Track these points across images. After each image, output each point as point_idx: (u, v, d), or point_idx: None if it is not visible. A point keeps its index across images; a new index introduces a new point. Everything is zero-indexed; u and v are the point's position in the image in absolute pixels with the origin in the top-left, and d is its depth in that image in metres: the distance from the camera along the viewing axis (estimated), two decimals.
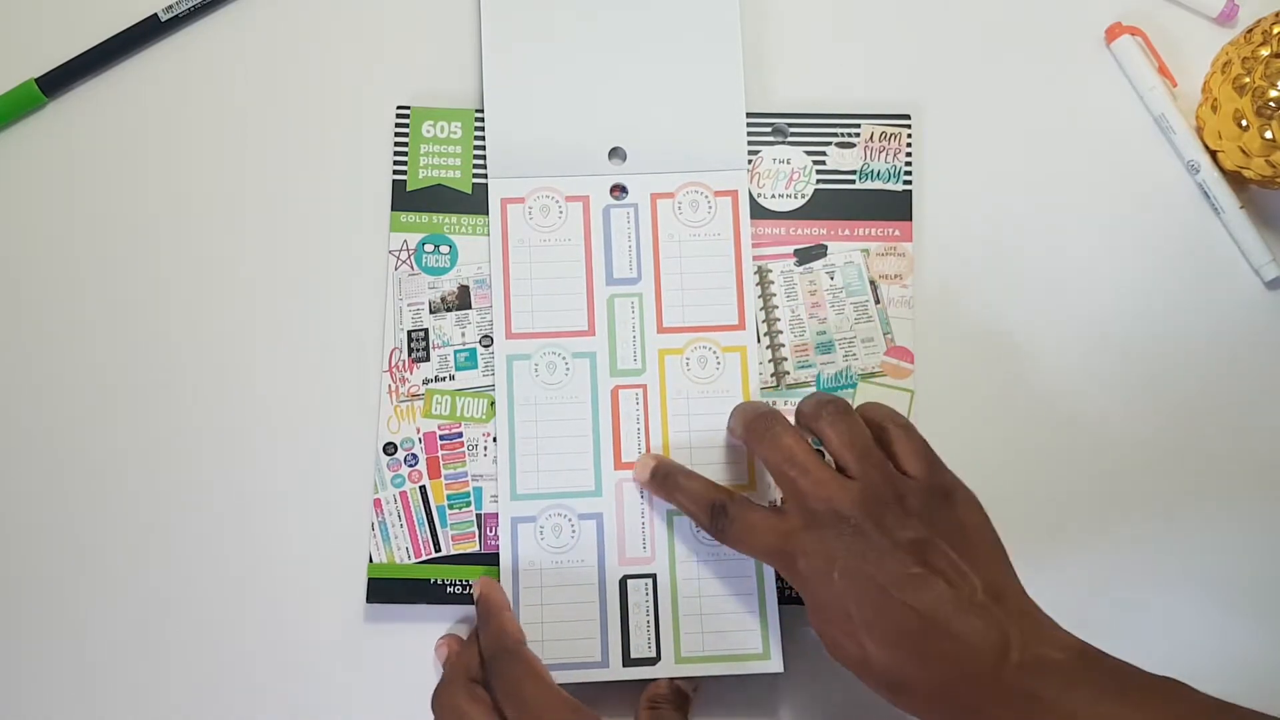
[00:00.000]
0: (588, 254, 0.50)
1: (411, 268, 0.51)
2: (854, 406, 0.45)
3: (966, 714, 0.38)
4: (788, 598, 0.48)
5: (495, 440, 0.49)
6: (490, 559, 0.48)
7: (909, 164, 0.52)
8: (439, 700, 0.44)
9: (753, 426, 0.44)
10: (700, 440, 0.49)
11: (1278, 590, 0.50)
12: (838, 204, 0.51)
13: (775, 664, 0.47)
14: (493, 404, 0.49)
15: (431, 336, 0.50)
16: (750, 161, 0.51)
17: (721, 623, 0.48)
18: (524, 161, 0.51)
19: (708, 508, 0.44)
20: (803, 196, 0.51)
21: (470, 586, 0.48)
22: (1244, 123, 0.49)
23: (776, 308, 0.51)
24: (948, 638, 0.38)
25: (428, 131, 0.51)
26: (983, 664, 0.38)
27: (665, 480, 0.46)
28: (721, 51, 0.51)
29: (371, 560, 0.49)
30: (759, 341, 0.50)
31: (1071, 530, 0.50)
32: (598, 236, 0.50)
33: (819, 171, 0.51)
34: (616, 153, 0.51)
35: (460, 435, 0.50)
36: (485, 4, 0.51)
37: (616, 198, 0.51)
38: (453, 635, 0.48)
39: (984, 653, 0.38)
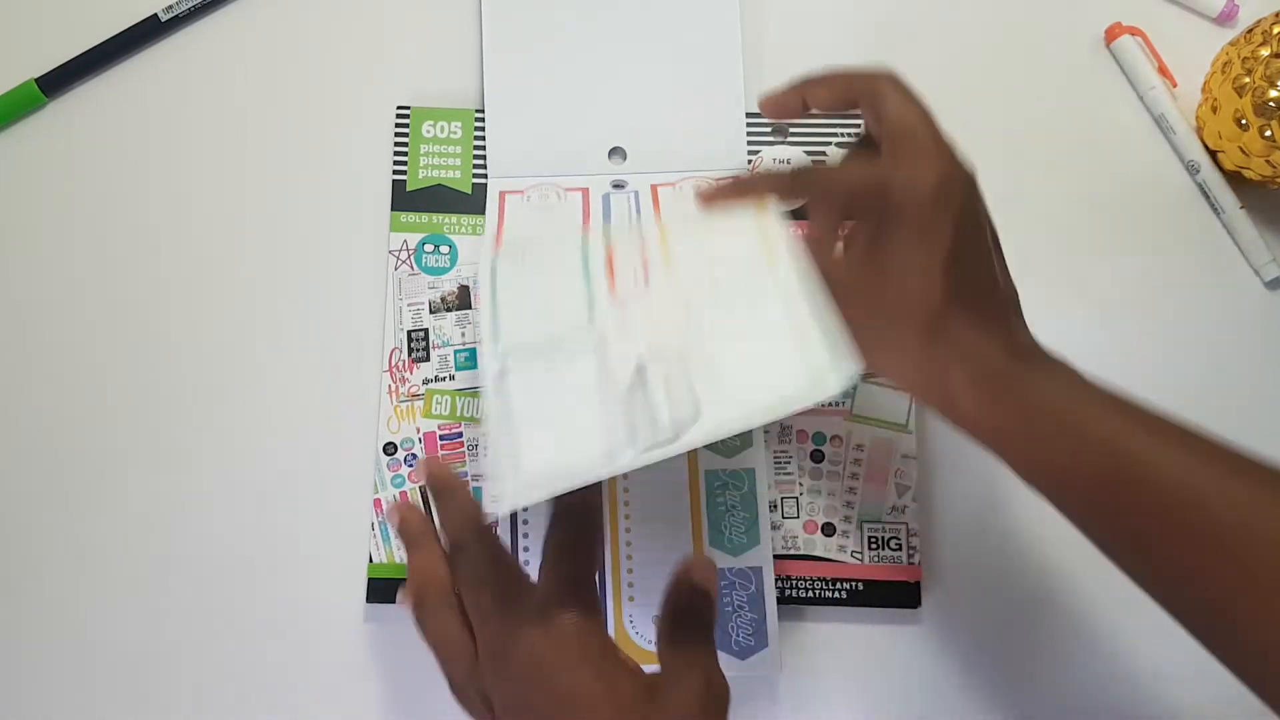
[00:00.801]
0: (585, 218, 0.49)
1: (411, 268, 0.51)
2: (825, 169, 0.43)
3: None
4: (786, 598, 0.48)
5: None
6: None
7: None
8: (427, 627, 0.40)
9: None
10: None
11: None
12: None
13: (772, 659, 0.47)
14: None
15: (431, 336, 0.50)
16: (750, 161, 0.51)
17: (721, 622, 0.48)
18: (524, 161, 0.51)
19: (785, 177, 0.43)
20: None
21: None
22: (1244, 123, 0.49)
23: None
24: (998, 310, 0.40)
25: (428, 131, 0.51)
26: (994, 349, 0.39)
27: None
28: (722, 51, 0.51)
29: (371, 560, 0.49)
30: None
31: (1071, 529, 0.50)
32: (596, 219, 0.49)
33: None
34: (616, 152, 0.51)
35: (460, 435, 0.50)
36: (486, 4, 0.51)
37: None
38: (408, 506, 0.43)
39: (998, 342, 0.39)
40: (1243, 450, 0.35)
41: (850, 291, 0.40)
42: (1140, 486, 0.35)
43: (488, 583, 0.39)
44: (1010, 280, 0.41)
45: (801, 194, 0.42)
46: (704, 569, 0.39)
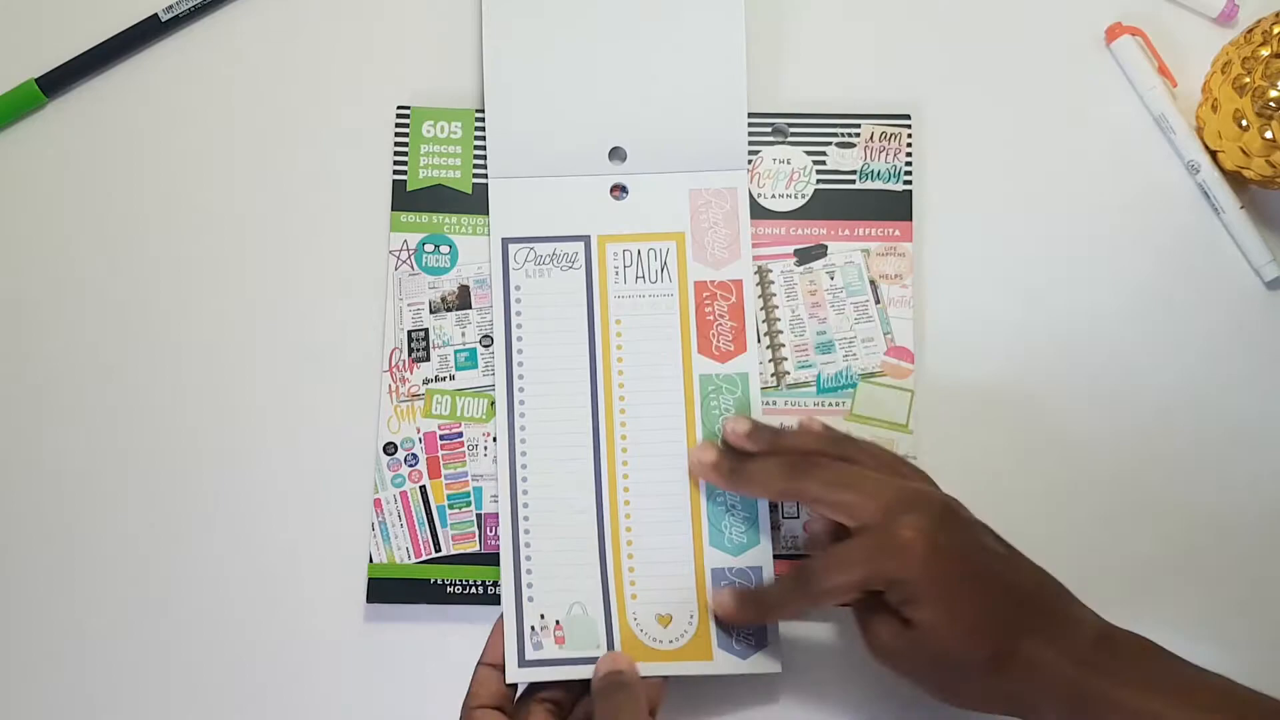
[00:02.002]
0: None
1: (412, 268, 0.51)
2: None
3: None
4: None
5: (495, 440, 0.49)
6: (490, 559, 0.48)
7: (909, 164, 0.52)
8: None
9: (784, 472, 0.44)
10: None
11: (1276, 588, 0.50)
12: (838, 204, 0.51)
13: (775, 664, 0.47)
14: (493, 404, 0.49)
15: (431, 336, 0.50)
16: (750, 161, 0.51)
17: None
18: (524, 161, 0.51)
19: (790, 464, 0.44)
20: (803, 196, 0.51)
21: (471, 586, 0.48)
22: (1244, 123, 0.49)
23: (776, 308, 0.51)
24: (1032, 632, 0.40)
25: (428, 131, 0.51)
26: (1060, 656, 0.40)
27: (730, 472, 0.46)
28: (724, 51, 0.51)
29: (371, 560, 0.49)
30: (759, 342, 0.50)
31: (1070, 529, 0.50)
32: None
33: (819, 171, 0.51)
34: (616, 152, 0.51)
35: (460, 435, 0.50)
36: (487, 4, 0.51)
37: (616, 197, 0.51)
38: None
39: (1063, 646, 0.40)
40: None
41: (904, 656, 0.42)
42: None
43: None
44: (1045, 573, 0.43)
45: (815, 606, 0.44)
46: (613, 659, 0.46)
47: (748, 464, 0.45)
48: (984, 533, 0.43)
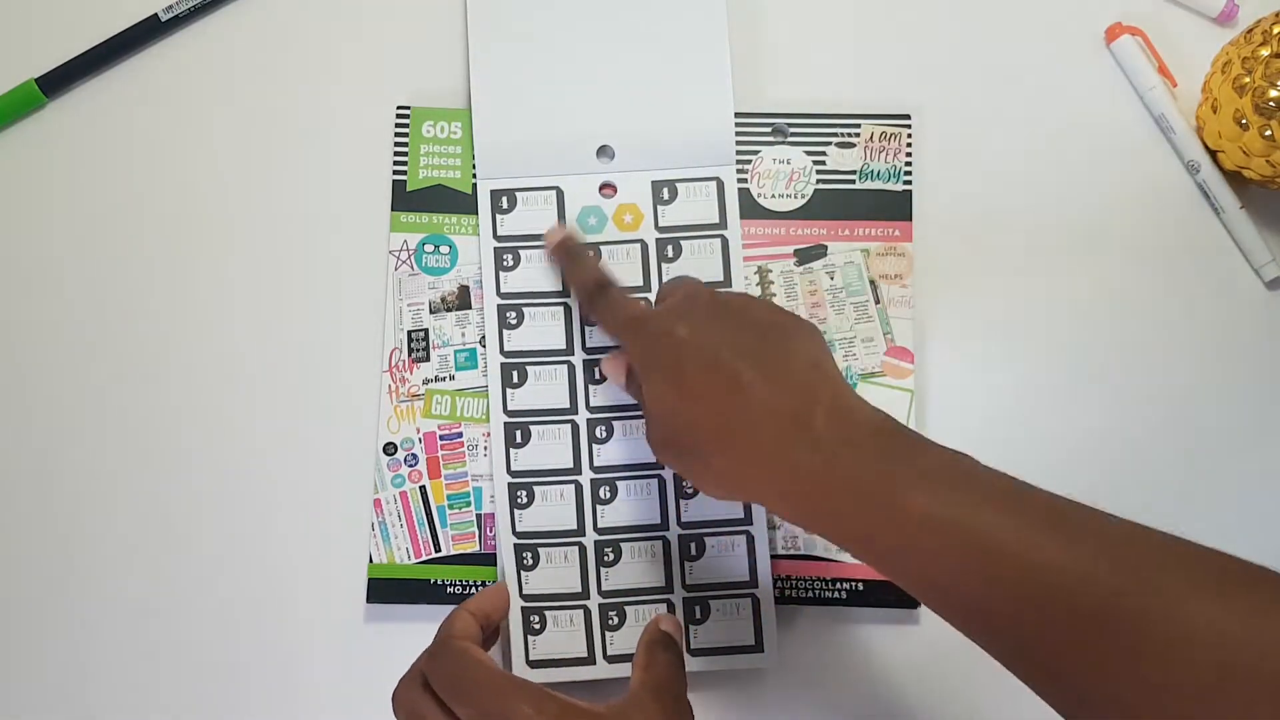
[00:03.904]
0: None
1: (411, 268, 0.51)
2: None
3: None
4: (786, 598, 0.48)
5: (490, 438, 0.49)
6: (491, 559, 0.48)
7: (909, 164, 0.52)
8: (396, 698, 0.41)
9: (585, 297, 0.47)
10: None
11: None
12: (838, 204, 0.51)
13: (770, 659, 0.47)
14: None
15: (431, 336, 0.50)
16: (750, 161, 0.51)
17: (716, 617, 0.48)
18: (513, 162, 0.51)
19: (591, 285, 0.46)
20: (803, 196, 0.51)
21: (471, 587, 0.48)
22: (1244, 123, 0.49)
23: None
24: (746, 400, 0.38)
25: (428, 131, 0.51)
26: (776, 428, 0.37)
27: (568, 253, 0.49)
28: (709, 48, 0.51)
29: (371, 560, 0.49)
30: None
31: None
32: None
33: (819, 171, 0.51)
34: (604, 151, 0.51)
35: (460, 435, 0.50)
36: (471, 5, 0.51)
37: (606, 196, 0.51)
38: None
39: (779, 416, 0.37)
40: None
41: (650, 435, 0.42)
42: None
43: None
44: (823, 360, 0.40)
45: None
46: (670, 621, 0.45)
47: (581, 260, 0.48)
48: (737, 317, 0.40)
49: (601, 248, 0.50)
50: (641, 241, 0.50)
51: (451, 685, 0.38)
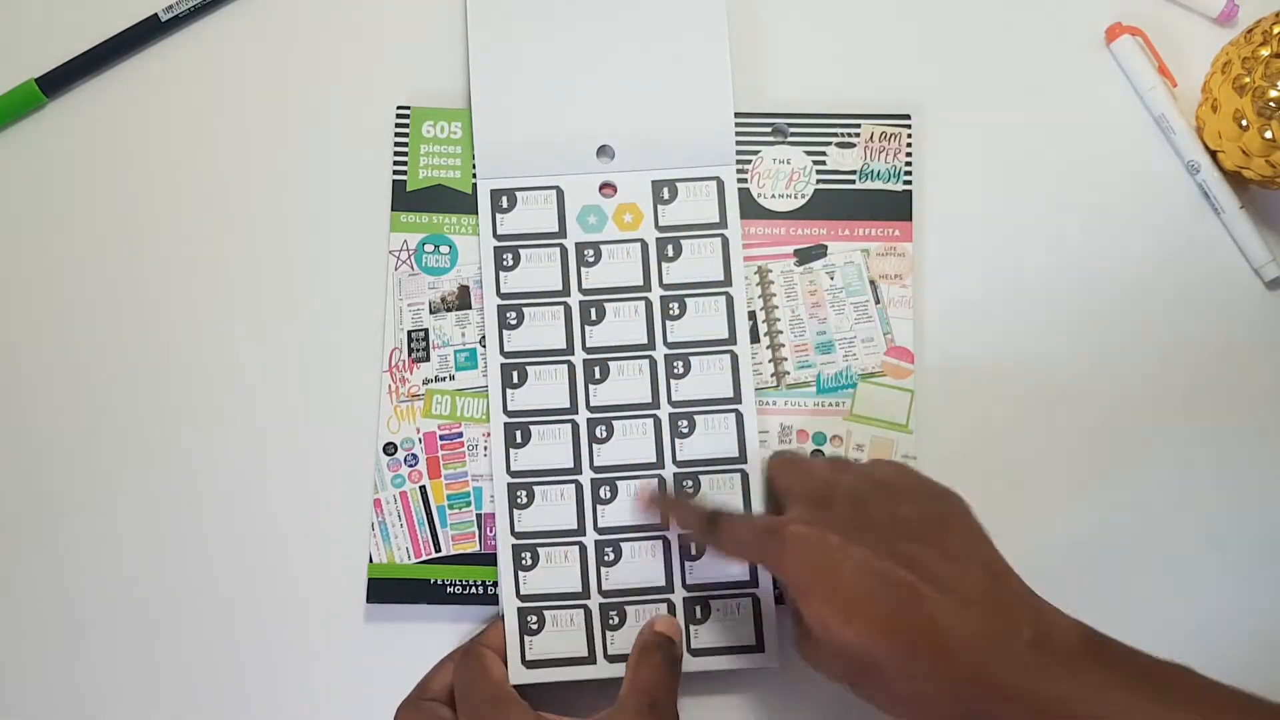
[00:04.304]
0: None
1: (411, 268, 0.51)
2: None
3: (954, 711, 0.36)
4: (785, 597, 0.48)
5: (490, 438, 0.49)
6: (491, 559, 0.48)
7: (909, 164, 0.52)
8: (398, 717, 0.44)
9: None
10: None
11: (1277, 589, 0.50)
12: (838, 204, 0.51)
13: (771, 659, 0.47)
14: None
15: (431, 336, 0.50)
16: (750, 161, 0.51)
17: (717, 617, 0.48)
18: (513, 162, 0.51)
19: (703, 522, 0.44)
20: (803, 196, 0.51)
21: (471, 587, 0.48)
22: (1244, 123, 0.49)
23: (776, 308, 0.51)
24: (936, 629, 0.36)
25: (428, 131, 0.51)
26: (976, 654, 0.35)
27: (666, 505, 0.48)
28: (709, 48, 0.51)
29: (371, 560, 0.49)
30: (759, 341, 0.50)
31: (1070, 528, 0.50)
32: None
33: (819, 171, 0.51)
34: (605, 150, 0.51)
35: (460, 435, 0.50)
36: (471, 5, 0.51)
37: (606, 195, 0.51)
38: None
39: (979, 640, 0.36)
40: None
41: (810, 654, 0.41)
42: None
43: None
44: (990, 565, 0.39)
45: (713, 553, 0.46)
46: (665, 622, 0.46)
47: (678, 504, 0.48)
48: (898, 523, 0.39)
49: (602, 247, 0.50)
50: (641, 241, 0.50)
51: (460, 686, 0.42)
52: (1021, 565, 0.40)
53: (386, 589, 0.48)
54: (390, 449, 0.50)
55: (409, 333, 0.50)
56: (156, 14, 0.52)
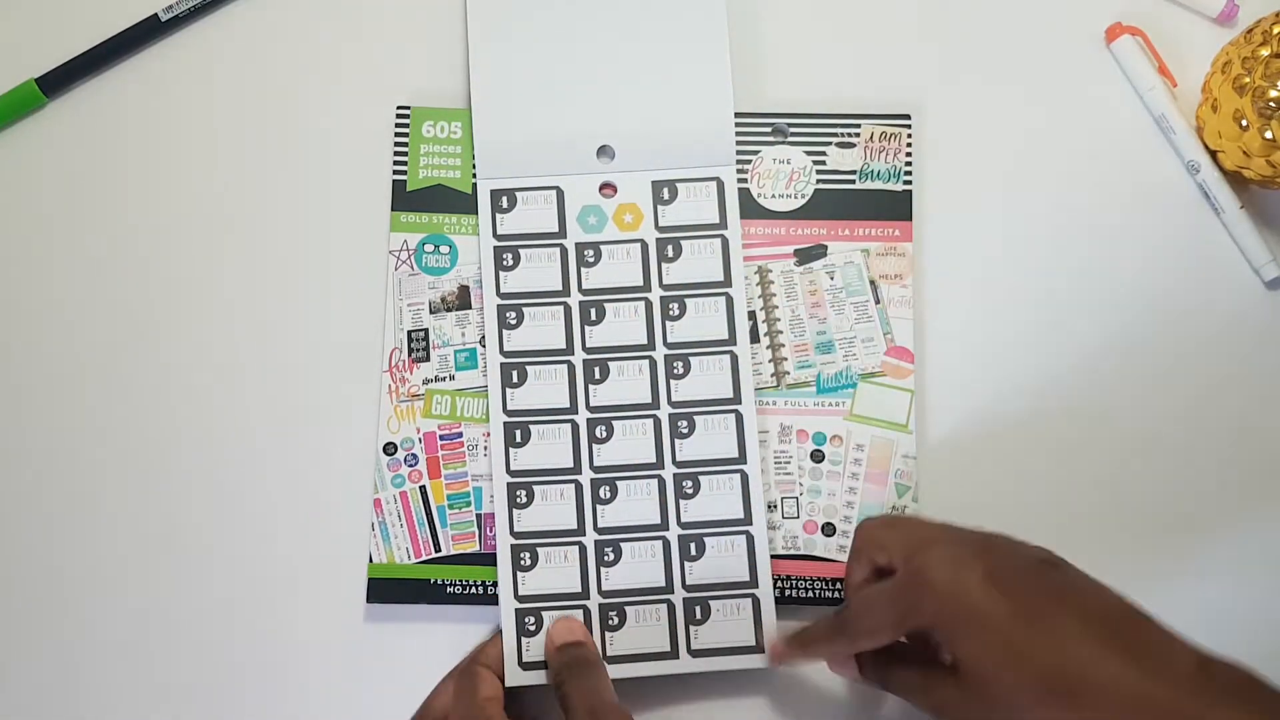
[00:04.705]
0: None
1: (411, 268, 0.51)
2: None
3: None
4: (786, 598, 0.48)
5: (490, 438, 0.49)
6: (491, 559, 0.48)
7: (909, 164, 0.52)
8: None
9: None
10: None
11: (1276, 585, 0.50)
12: (838, 204, 0.51)
13: (763, 660, 0.47)
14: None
15: (431, 336, 0.50)
16: (750, 161, 0.51)
17: (716, 617, 0.48)
18: (513, 162, 0.51)
19: (829, 626, 0.43)
20: (803, 196, 0.51)
21: (471, 587, 0.48)
22: (1244, 123, 0.49)
23: (776, 308, 0.51)
24: (1120, 639, 0.36)
25: (428, 131, 0.51)
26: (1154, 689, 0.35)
27: (797, 652, 0.46)
28: (708, 47, 0.51)
29: (371, 560, 0.49)
30: (759, 341, 0.50)
31: (1072, 530, 0.50)
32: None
33: (819, 171, 0.51)
34: (605, 150, 0.51)
35: (460, 435, 0.50)
36: (471, 5, 0.51)
37: (606, 196, 0.51)
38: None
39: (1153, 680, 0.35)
40: None
41: (961, 704, 0.39)
42: None
43: None
44: (1117, 595, 0.38)
45: (854, 646, 0.43)
46: (562, 628, 0.46)
47: (809, 639, 0.45)
48: (1032, 561, 0.39)
49: (602, 247, 0.50)
50: (641, 241, 0.50)
51: (452, 707, 0.42)
52: None
53: (386, 589, 0.48)
54: (390, 449, 0.50)
55: (409, 333, 0.50)
56: (156, 14, 0.52)
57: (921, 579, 0.38)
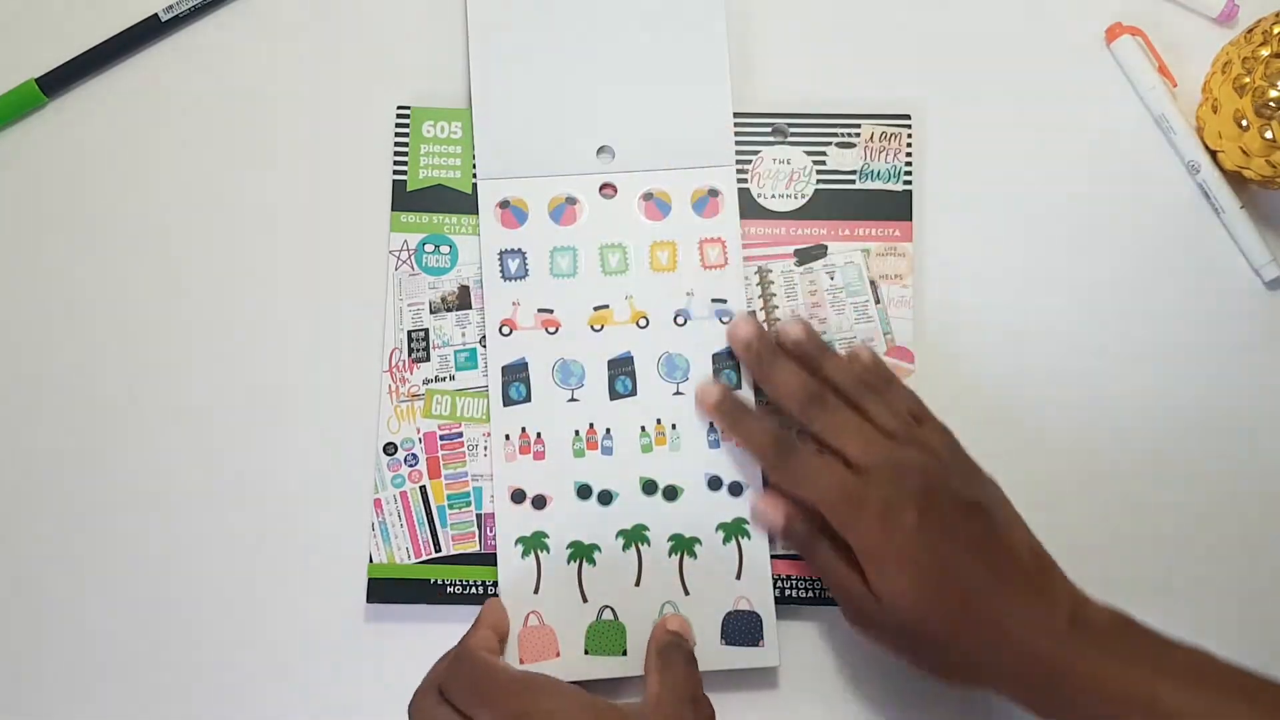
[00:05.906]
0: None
1: (412, 268, 0.51)
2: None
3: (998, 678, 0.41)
4: (786, 598, 0.48)
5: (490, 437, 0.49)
6: (491, 559, 0.48)
7: (909, 164, 0.52)
8: (411, 708, 0.43)
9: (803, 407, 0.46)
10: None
11: (1276, 589, 0.50)
12: (838, 204, 0.51)
13: (771, 656, 0.47)
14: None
15: (431, 336, 0.50)
16: (750, 161, 0.51)
17: (716, 617, 0.48)
18: (513, 162, 0.51)
19: (773, 442, 0.45)
20: (803, 196, 0.51)
21: (471, 586, 0.48)
22: (1244, 123, 0.49)
23: (777, 308, 0.51)
24: (1002, 606, 0.41)
25: (428, 131, 0.51)
26: (1031, 630, 0.40)
27: (730, 414, 0.47)
28: (708, 47, 0.51)
29: (371, 560, 0.49)
30: None
31: (1072, 529, 0.50)
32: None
33: (819, 171, 0.51)
34: (605, 150, 0.51)
35: (460, 435, 0.50)
36: (471, 5, 0.51)
37: (606, 196, 0.51)
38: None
39: (1034, 620, 0.41)
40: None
41: (871, 622, 0.43)
42: None
43: None
44: (1029, 544, 0.43)
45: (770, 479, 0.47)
46: (677, 621, 0.46)
47: (747, 416, 0.47)
48: (964, 506, 0.43)
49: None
50: None
51: (472, 690, 0.40)
52: None
53: (386, 589, 0.48)
54: (390, 449, 0.50)
55: (409, 333, 0.50)
56: (156, 14, 0.52)
57: (866, 510, 0.42)
